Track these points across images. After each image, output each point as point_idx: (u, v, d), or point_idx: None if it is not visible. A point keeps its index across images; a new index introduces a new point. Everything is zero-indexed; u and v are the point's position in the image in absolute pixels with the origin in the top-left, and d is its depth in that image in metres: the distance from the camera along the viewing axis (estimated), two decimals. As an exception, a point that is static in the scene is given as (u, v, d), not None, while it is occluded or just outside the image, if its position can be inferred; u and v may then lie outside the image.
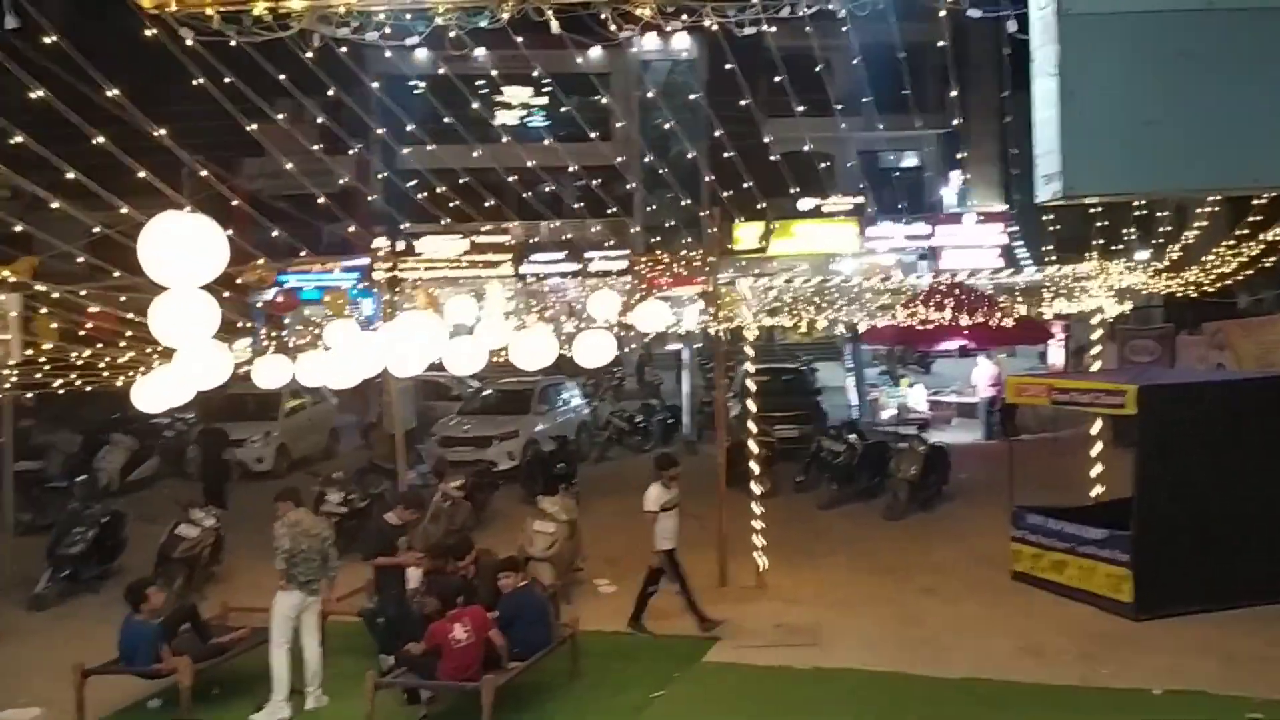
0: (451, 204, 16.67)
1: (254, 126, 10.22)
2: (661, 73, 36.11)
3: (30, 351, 12.02)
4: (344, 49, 9.05)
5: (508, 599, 9.41)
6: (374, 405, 23.99)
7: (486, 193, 15.96)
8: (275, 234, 13.95)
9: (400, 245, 33.91)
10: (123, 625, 9.46)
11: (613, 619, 11.58)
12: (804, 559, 13.76)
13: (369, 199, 23.46)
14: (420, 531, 11.73)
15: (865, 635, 10.87)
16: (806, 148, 20.92)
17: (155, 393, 9.69)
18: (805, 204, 31.68)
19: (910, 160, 38.73)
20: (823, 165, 30.63)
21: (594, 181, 19.63)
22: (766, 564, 12.85)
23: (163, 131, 8.97)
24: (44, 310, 11.14)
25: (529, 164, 16.66)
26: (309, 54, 8.36)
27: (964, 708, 9.23)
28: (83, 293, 9.14)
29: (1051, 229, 19.59)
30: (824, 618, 11.44)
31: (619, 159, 23.13)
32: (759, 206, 20.09)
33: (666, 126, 31.67)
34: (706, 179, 29.02)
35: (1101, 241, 17.79)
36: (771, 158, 16.00)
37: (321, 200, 13.70)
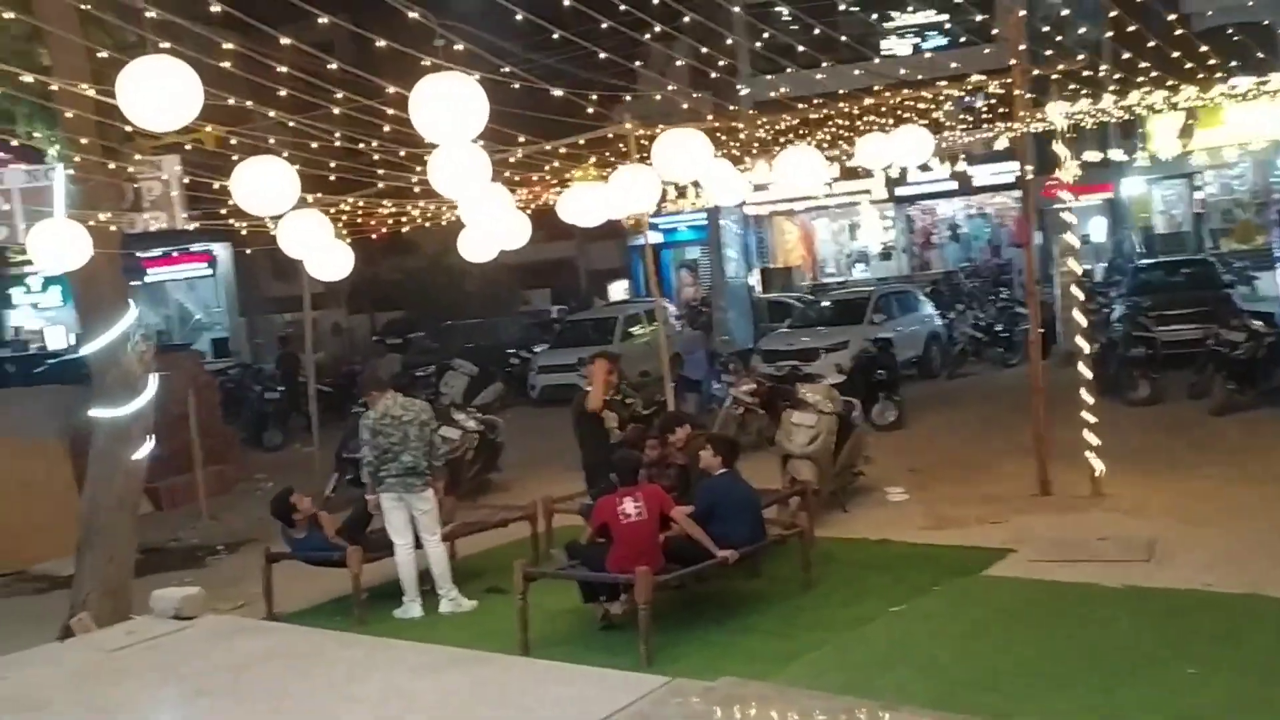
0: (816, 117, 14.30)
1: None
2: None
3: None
4: None
5: (704, 485, 7.71)
6: (717, 331, 22.97)
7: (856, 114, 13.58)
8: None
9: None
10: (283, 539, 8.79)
11: (888, 528, 9.60)
12: (1165, 469, 10.69)
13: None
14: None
15: (1216, 552, 7.93)
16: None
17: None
18: (1240, 85, 26.35)
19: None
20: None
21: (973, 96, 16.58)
22: (1103, 469, 10.04)
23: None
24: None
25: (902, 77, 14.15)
26: None
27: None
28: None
29: None
30: (1168, 532, 8.55)
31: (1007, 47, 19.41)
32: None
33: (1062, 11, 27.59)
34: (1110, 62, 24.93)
35: None
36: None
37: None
